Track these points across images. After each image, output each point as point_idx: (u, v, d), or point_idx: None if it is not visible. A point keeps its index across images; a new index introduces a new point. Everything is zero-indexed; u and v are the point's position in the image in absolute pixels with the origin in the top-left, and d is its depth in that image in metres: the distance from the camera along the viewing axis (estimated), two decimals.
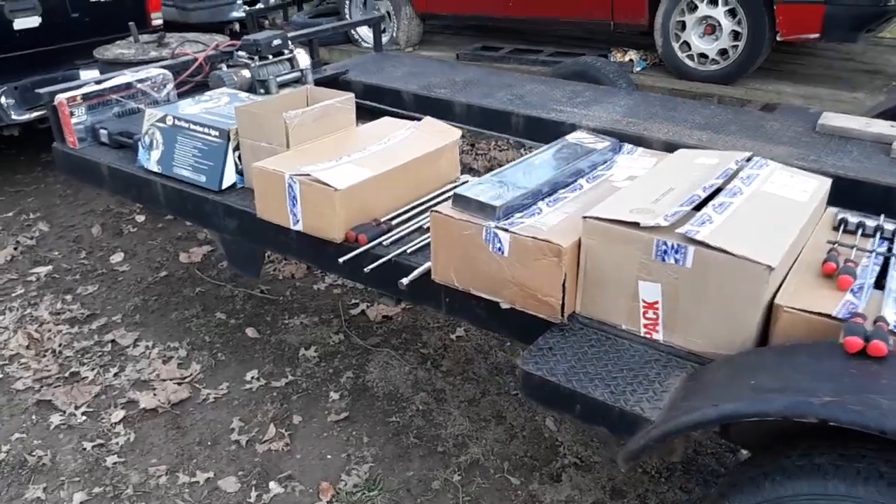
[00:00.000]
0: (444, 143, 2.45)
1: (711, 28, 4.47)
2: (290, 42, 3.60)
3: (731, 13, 4.37)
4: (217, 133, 2.45)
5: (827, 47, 5.07)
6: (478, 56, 5.43)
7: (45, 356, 2.93)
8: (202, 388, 2.71)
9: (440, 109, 3.55)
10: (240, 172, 2.50)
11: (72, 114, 2.86)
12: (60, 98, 2.83)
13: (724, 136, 2.93)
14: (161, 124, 2.58)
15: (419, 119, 3.73)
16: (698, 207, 1.69)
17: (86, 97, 2.90)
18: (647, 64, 5.00)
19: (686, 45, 4.60)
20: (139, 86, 3.07)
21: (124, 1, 4.75)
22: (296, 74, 3.54)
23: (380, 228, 2.18)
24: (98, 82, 3.00)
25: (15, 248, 3.86)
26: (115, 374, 2.80)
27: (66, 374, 2.82)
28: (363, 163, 2.24)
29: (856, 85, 4.41)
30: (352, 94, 2.54)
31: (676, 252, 1.58)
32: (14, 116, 4.27)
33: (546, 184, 1.98)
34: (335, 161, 2.23)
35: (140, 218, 4.11)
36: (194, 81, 3.41)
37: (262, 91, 3.42)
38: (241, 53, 3.45)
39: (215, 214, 2.48)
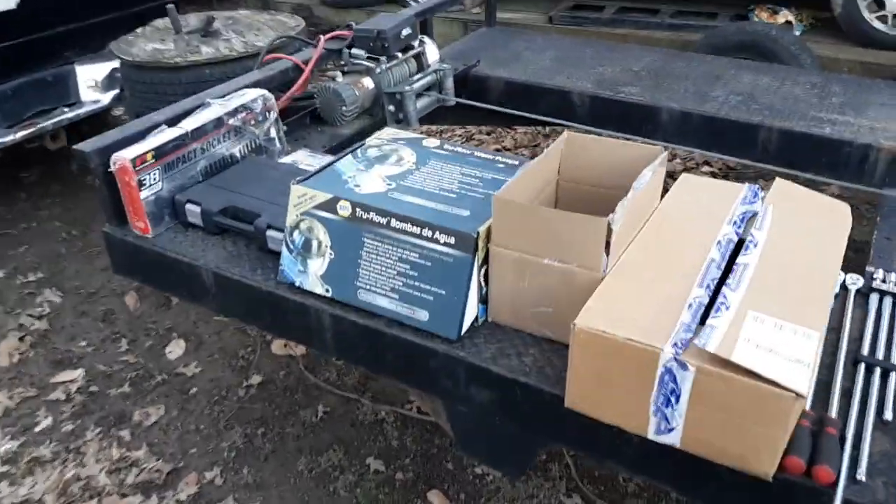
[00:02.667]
0: (844, 228, 1.42)
1: None
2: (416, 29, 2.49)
3: None
4: (453, 239, 1.36)
5: None
6: (577, 20, 4.31)
7: None
8: None
9: (633, 120, 2.48)
10: (483, 300, 1.44)
11: (141, 183, 1.72)
12: (122, 160, 1.68)
13: None
14: (327, 214, 1.48)
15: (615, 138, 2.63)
16: None
17: (159, 153, 1.75)
18: (805, 27, 3.97)
19: (877, 4, 3.58)
20: (230, 121, 1.93)
21: None
22: (429, 79, 2.43)
23: (830, 438, 1.16)
24: (170, 122, 1.84)
25: (21, 339, 2.71)
26: None
27: None
28: (773, 299, 1.19)
29: None
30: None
31: None
32: None
33: None
34: (722, 302, 1.19)
35: None
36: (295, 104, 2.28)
37: (391, 109, 2.32)
38: (355, 51, 2.32)
39: (448, 377, 1.42)
